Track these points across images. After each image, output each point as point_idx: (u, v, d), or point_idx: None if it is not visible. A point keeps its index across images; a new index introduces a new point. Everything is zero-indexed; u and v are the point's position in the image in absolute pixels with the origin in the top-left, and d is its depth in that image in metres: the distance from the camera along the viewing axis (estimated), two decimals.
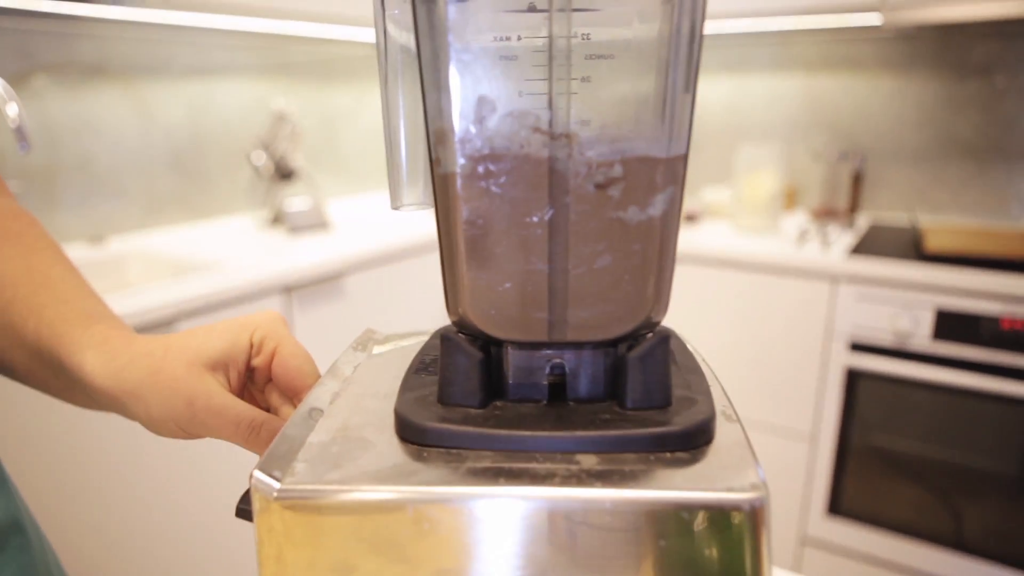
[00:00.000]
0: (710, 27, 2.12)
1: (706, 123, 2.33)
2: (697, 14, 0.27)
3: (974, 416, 1.52)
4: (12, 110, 1.24)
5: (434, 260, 1.83)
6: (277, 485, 0.28)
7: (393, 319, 1.74)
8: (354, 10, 1.79)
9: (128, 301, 1.20)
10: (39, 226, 0.53)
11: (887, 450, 1.64)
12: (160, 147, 1.80)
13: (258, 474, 0.28)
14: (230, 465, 1.35)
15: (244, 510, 0.30)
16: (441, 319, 1.82)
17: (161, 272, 1.55)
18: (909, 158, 2.03)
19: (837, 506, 1.71)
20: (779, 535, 1.80)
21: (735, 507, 0.26)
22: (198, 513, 1.34)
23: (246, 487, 0.32)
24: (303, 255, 1.54)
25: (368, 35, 2.09)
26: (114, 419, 1.17)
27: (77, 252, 1.57)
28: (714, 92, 2.30)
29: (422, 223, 1.86)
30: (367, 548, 0.28)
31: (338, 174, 2.33)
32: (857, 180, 2.04)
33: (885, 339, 1.57)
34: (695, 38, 0.27)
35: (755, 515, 0.26)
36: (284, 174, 1.89)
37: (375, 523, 0.27)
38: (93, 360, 0.41)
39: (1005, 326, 1.43)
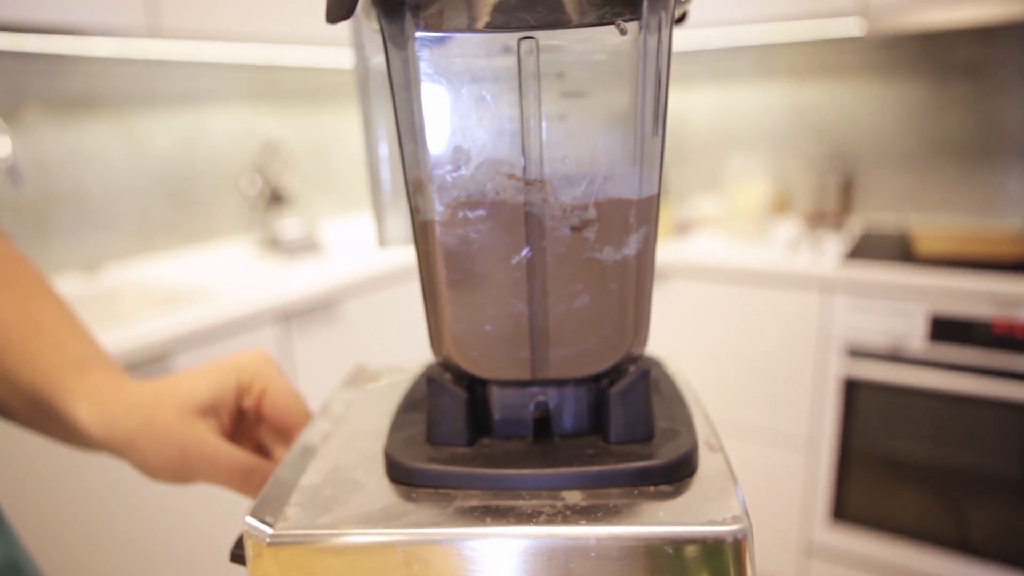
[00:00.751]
0: (695, 39, 2.14)
1: (694, 134, 2.34)
2: (661, 61, 0.28)
3: (972, 419, 1.53)
4: (4, 149, 1.25)
5: None
6: (269, 531, 0.28)
7: (390, 343, 1.74)
8: (341, 33, 1.81)
9: (123, 332, 1.20)
10: (32, 268, 0.54)
11: (887, 455, 1.64)
12: (152, 176, 1.81)
13: (250, 520, 0.29)
14: (226, 505, 1.34)
15: (238, 555, 0.30)
16: None
17: (155, 301, 1.56)
18: (898, 161, 2.05)
19: (840, 513, 1.71)
20: (780, 543, 1.80)
21: (718, 539, 0.27)
22: (194, 554, 1.34)
23: (240, 531, 0.32)
24: (297, 281, 1.54)
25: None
26: (109, 460, 1.17)
27: (70, 283, 1.58)
28: (701, 103, 2.31)
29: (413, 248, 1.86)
30: None
31: (330, 196, 2.34)
32: (847, 185, 2.06)
33: (880, 344, 1.57)
34: (661, 83, 0.28)
35: (738, 547, 0.27)
36: (276, 199, 1.90)
37: (367, 565, 0.28)
38: (87, 411, 0.42)
39: (998, 329, 1.44)
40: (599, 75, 0.30)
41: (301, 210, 1.94)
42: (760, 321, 1.73)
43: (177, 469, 0.40)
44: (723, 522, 0.27)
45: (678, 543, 0.27)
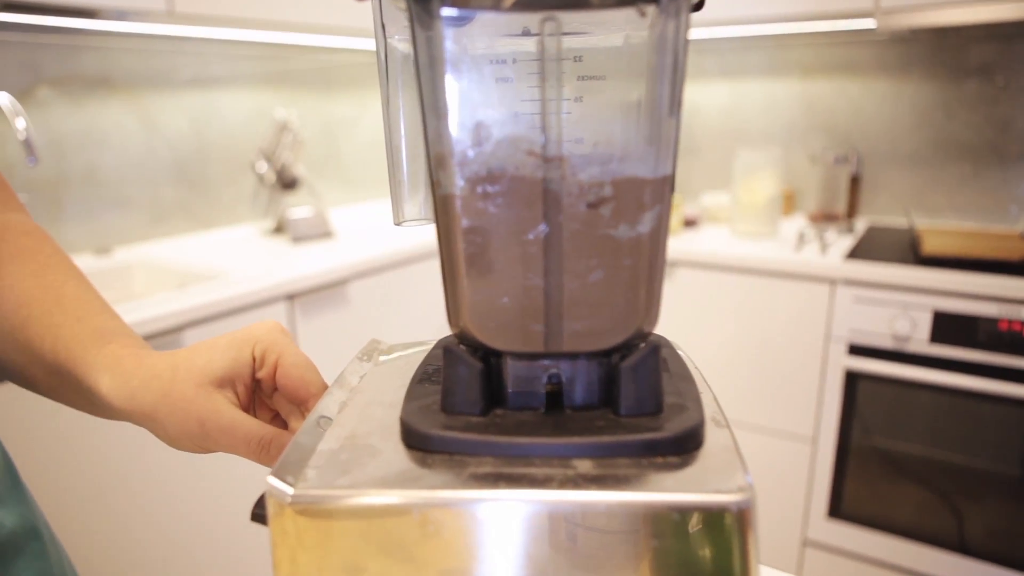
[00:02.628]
0: (707, 33, 2.14)
1: (704, 128, 2.34)
2: (680, 42, 0.28)
3: (974, 417, 1.53)
4: (20, 124, 1.26)
5: (435, 267, 1.85)
6: (290, 491, 0.29)
7: (396, 325, 1.76)
8: (355, 21, 1.81)
9: (135, 312, 1.21)
10: (51, 241, 0.55)
11: (888, 452, 1.65)
12: (164, 158, 1.82)
13: (272, 480, 0.30)
14: (240, 471, 1.36)
15: (259, 515, 0.31)
16: (443, 325, 1.83)
17: (167, 282, 1.57)
18: (906, 161, 2.05)
19: (838, 508, 1.72)
20: (781, 538, 1.81)
21: (723, 508, 0.28)
22: (209, 518, 1.36)
23: (257, 493, 0.33)
24: (307, 263, 1.56)
25: (368, 44, 2.11)
26: (125, 426, 1.19)
27: (83, 263, 1.59)
28: (712, 98, 2.32)
29: (422, 232, 1.87)
30: (375, 550, 0.29)
31: (339, 183, 2.35)
32: (855, 183, 2.06)
33: (884, 342, 1.58)
34: (678, 65, 0.29)
35: (742, 515, 0.28)
36: (287, 183, 1.91)
37: (383, 526, 0.29)
38: (108, 382, 0.43)
39: (1003, 328, 1.44)
40: (617, 58, 0.30)
41: (310, 194, 1.95)
42: (765, 316, 1.74)
43: (196, 439, 0.41)
44: (728, 492, 0.28)
45: (684, 510, 0.28)
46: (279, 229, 1.89)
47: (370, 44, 2.09)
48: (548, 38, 0.30)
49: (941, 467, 1.60)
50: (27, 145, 1.26)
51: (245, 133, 2.00)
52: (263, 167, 1.91)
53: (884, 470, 1.66)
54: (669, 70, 0.29)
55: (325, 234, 1.84)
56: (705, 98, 2.33)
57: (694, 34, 2.13)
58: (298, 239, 1.79)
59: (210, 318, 1.32)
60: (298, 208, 1.87)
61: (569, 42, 0.30)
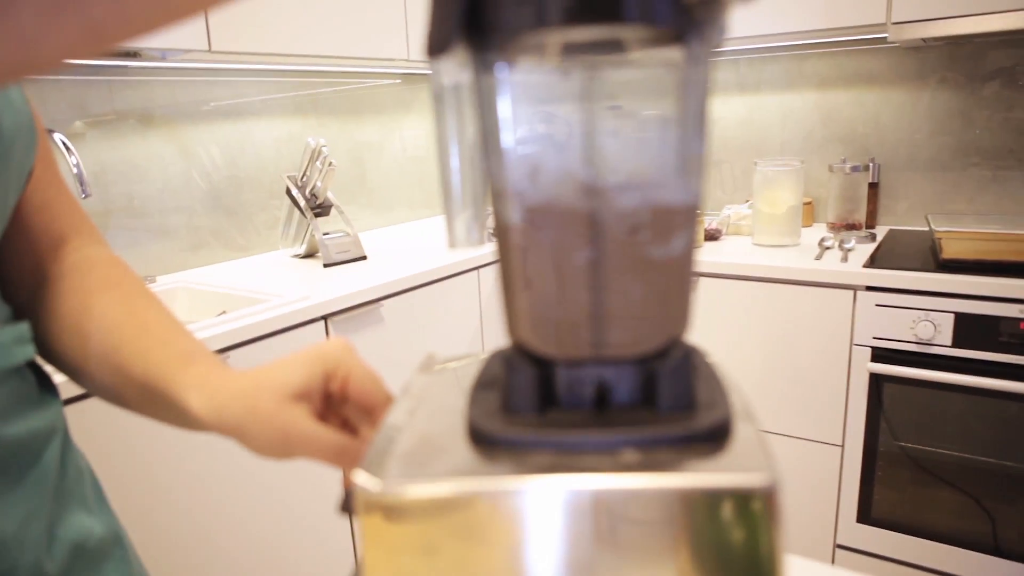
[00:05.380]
0: (725, 47, 2.18)
1: (723, 141, 2.38)
2: (704, 86, 0.33)
3: (1000, 419, 1.55)
4: (72, 161, 1.33)
5: (463, 285, 1.90)
6: (377, 484, 0.34)
7: (429, 342, 1.81)
8: (383, 52, 1.88)
9: None
10: (132, 271, 0.61)
11: (916, 455, 1.67)
12: (200, 187, 1.90)
13: (360, 476, 0.34)
14: (295, 477, 1.42)
15: (347, 507, 0.36)
16: (474, 339, 1.88)
17: (208, 307, 1.64)
18: (924, 167, 2.07)
19: (868, 513, 1.74)
20: (813, 543, 1.83)
21: (751, 490, 0.32)
22: (275, 520, 1.41)
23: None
24: (341, 285, 1.62)
25: (392, 69, 2.18)
26: (192, 442, 1.25)
27: None
28: (731, 111, 2.36)
29: (451, 253, 1.93)
30: (450, 532, 0.34)
31: (367, 206, 2.41)
32: (874, 191, 2.09)
33: (907, 346, 1.60)
34: (703, 107, 0.33)
35: (768, 497, 0.32)
36: (318, 208, 1.98)
37: (456, 512, 0.33)
38: (197, 400, 0.48)
39: None
40: (650, 99, 0.35)
41: (341, 220, 2.02)
42: (789, 324, 1.77)
43: (280, 448, 0.46)
44: (755, 475, 0.32)
45: (717, 493, 0.32)
46: (311, 253, 1.95)
47: (394, 69, 2.16)
48: (590, 84, 0.35)
49: (970, 469, 1.61)
50: (79, 180, 1.33)
51: (276, 160, 2.08)
52: (295, 193, 1.98)
53: (913, 473, 1.67)
54: (695, 109, 0.33)
55: (358, 257, 1.90)
56: (724, 112, 2.37)
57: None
58: (331, 263, 1.85)
59: (252, 340, 1.38)
60: (330, 232, 1.94)
61: (609, 85, 0.35)
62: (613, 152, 0.34)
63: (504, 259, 0.35)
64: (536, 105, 0.35)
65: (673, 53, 0.33)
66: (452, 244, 0.48)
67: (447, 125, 0.47)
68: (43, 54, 0.24)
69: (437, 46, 0.32)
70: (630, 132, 0.35)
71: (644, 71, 0.36)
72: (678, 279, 0.35)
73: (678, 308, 0.36)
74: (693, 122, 0.33)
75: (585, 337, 0.35)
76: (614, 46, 0.33)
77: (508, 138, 0.33)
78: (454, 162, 0.47)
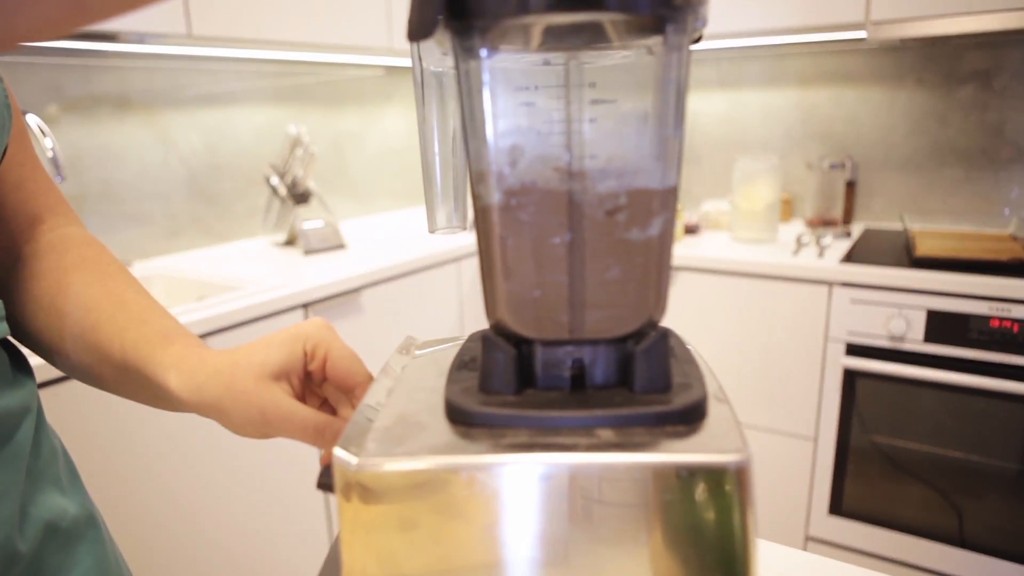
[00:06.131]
0: (705, 44, 2.20)
1: (704, 137, 2.40)
2: (682, 73, 0.34)
3: (969, 413, 1.58)
4: (48, 144, 1.32)
5: (443, 276, 1.90)
6: (355, 460, 0.34)
7: (408, 331, 1.81)
8: (363, 40, 1.87)
9: None
10: (108, 251, 0.60)
11: (887, 449, 1.70)
12: (179, 173, 1.88)
13: (339, 452, 0.35)
14: (263, 459, 1.42)
15: (325, 483, 0.36)
16: (453, 328, 1.88)
17: (185, 294, 1.62)
18: (900, 166, 2.10)
19: (839, 505, 1.76)
20: (784, 535, 1.86)
21: (723, 467, 0.33)
22: (248, 501, 1.41)
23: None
24: (321, 273, 1.61)
25: (372, 59, 2.17)
26: (162, 420, 1.24)
27: None
28: (711, 107, 2.37)
29: (432, 243, 1.93)
30: (428, 509, 0.34)
31: (347, 196, 2.41)
32: (850, 189, 2.11)
33: (880, 341, 1.63)
34: (680, 93, 0.34)
35: (740, 473, 0.33)
36: (298, 197, 1.97)
37: (434, 488, 0.34)
38: (175, 379, 0.48)
39: (994, 325, 1.49)
40: (629, 85, 0.36)
41: (321, 209, 2.01)
42: (765, 318, 1.79)
43: (258, 427, 0.46)
44: (728, 453, 0.33)
45: (692, 469, 0.33)
46: (291, 241, 1.94)
47: (375, 60, 2.15)
48: (572, 69, 0.35)
49: (940, 463, 1.64)
50: (54, 163, 1.32)
51: (257, 148, 2.06)
52: (275, 181, 1.97)
53: (884, 467, 1.70)
54: (673, 95, 0.34)
55: (337, 245, 1.89)
56: (704, 108, 2.39)
57: (693, 46, 2.19)
58: (311, 251, 1.85)
59: (230, 327, 1.37)
60: (310, 221, 1.93)
61: (589, 71, 0.35)
62: (592, 136, 0.35)
63: (484, 241, 0.36)
64: (517, 90, 0.35)
65: (652, 40, 0.34)
66: (432, 228, 0.48)
67: (429, 111, 0.47)
68: (24, 23, 0.24)
69: (420, 31, 0.32)
70: (609, 117, 0.36)
71: (624, 58, 0.36)
72: (655, 263, 0.36)
73: (655, 292, 0.36)
74: (671, 108, 0.34)
75: (562, 318, 0.36)
76: (595, 33, 0.34)
77: (489, 122, 0.34)
78: (435, 148, 0.47)
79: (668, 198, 0.35)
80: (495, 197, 0.34)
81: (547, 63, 0.36)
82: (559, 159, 0.34)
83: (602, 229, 0.35)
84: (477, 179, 0.35)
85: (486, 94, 0.34)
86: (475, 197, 0.35)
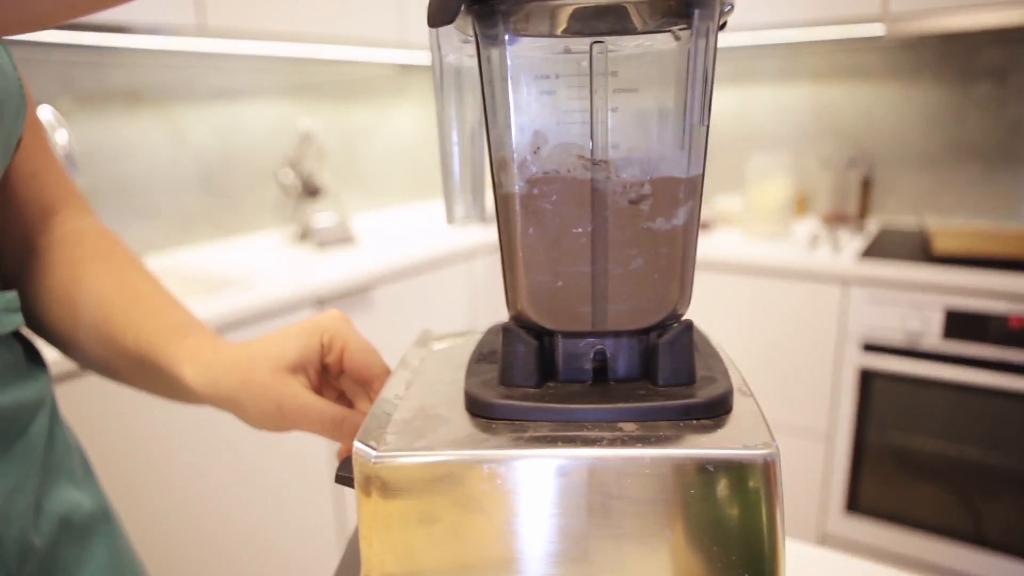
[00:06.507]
0: (719, 41, 2.18)
1: (717, 133, 2.38)
2: (708, 61, 0.33)
3: (987, 413, 1.56)
4: (62, 136, 1.32)
5: (456, 271, 1.89)
6: (374, 453, 0.34)
7: (421, 325, 1.81)
8: (375, 32, 1.87)
9: None
10: (122, 243, 0.60)
11: (903, 448, 1.68)
12: (190, 168, 1.88)
13: (359, 445, 0.34)
14: (277, 456, 1.42)
15: (344, 477, 0.36)
16: (466, 325, 1.87)
17: (197, 288, 1.62)
18: (917, 163, 2.08)
19: (855, 504, 1.75)
20: (798, 534, 1.84)
21: (751, 461, 0.32)
22: (261, 498, 1.41)
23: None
24: (332, 269, 1.61)
25: (387, 55, 2.17)
26: (176, 415, 1.24)
27: None
28: (724, 103, 2.36)
29: (444, 238, 1.92)
30: (448, 502, 0.34)
31: (359, 190, 2.40)
32: (866, 185, 2.09)
33: (897, 339, 1.61)
34: (707, 80, 0.33)
35: (768, 468, 0.32)
36: (310, 191, 1.97)
37: (454, 482, 0.33)
38: (191, 372, 0.47)
39: (1013, 324, 1.47)
40: (653, 74, 0.35)
41: (333, 202, 2.01)
42: (780, 316, 1.77)
43: (275, 420, 0.46)
44: (755, 447, 0.32)
45: (717, 464, 0.32)
46: (303, 236, 1.94)
47: (387, 54, 2.15)
48: (597, 57, 0.34)
49: (957, 462, 1.63)
50: (68, 157, 1.32)
51: (268, 143, 2.06)
52: (287, 176, 1.97)
53: (901, 466, 1.69)
54: (700, 82, 0.33)
55: (348, 240, 1.89)
56: (717, 103, 2.37)
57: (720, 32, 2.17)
58: (322, 245, 1.84)
59: (241, 322, 1.37)
60: (322, 215, 1.93)
61: (614, 58, 0.34)
62: (616, 123, 0.34)
63: (505, 231, 0.35)
64: (539, 78, 0.34)
65: (678, 26, 0.33)
66: (450, 220, 0.48)
67: (448, 100, 0.47)
68: (37, 8, 0.24)
69: (441, 16, 0.32)
70: (632, 105, 0.35)
71: (648, 45, 0.35)
72: (680, 253, 0.35)
73: (679, 283, 0.36)
74: (697, 95, 0.33)
75: (585, 310, 0.35)
76: (619, 18, 0.33)
77: (511, 109, 0.33)
78: (454, 138, 0.47)
79: (693, 187, 0.34)
80: (517, 185, 0.34)
81: (568, 51, 0.35)
82: (582, 147, 0.33)
83: (625, 218, 0.34)
84: (499, 167, 0.34)
85: (508, 81, 0.33)
86: (496, 186, 0.35)
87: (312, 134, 1.96)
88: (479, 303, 2.00)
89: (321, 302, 1.53)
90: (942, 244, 1.68)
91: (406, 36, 1.96)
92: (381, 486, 0.34)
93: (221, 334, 1.34)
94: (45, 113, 1.29)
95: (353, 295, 1.60)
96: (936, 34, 1.97)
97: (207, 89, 1.90)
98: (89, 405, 1.15)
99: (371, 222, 2.27)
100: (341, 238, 1.88)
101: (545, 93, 0.34)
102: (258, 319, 1.40)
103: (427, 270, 1.81)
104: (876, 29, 1.77)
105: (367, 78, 2.37)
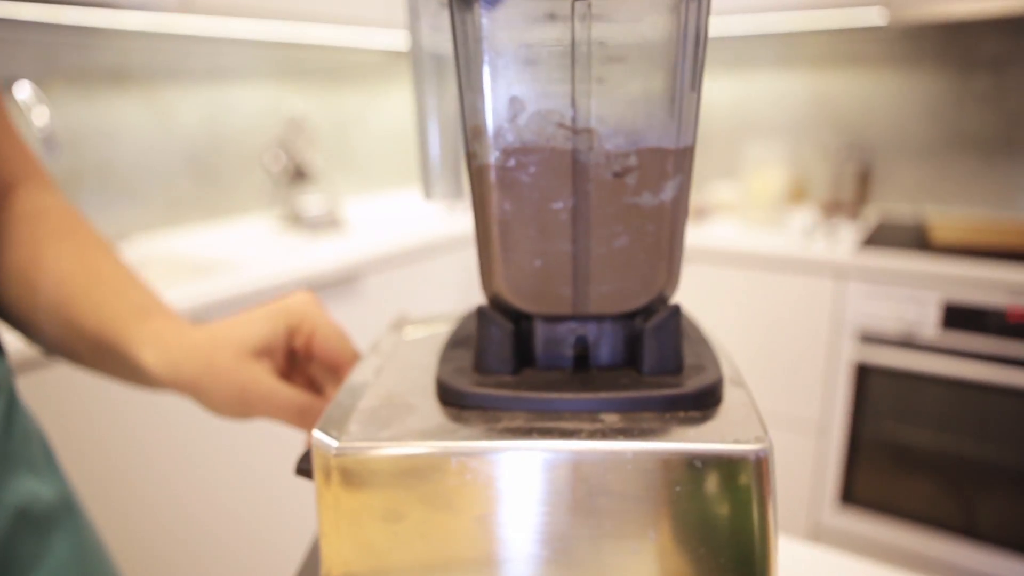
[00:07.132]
0: (716, 27, 2.15)
1: (714, 121, 2.35)
2: (701, 20, 0.30)
3: (983, 406, 1.54)
4: (42, 114, 1.28)
5: (447, 258, 1.87)
6: (335, 443, 0.31)
7: (410, 309, 1.78)
8: (364, 11, 1.83)
9: None
10: (87, 222, 0.57)
11: (898, 441, 1.67)
12: (178, 150, 1.85)
13: (317, 434, 0.32)
14: (248, 443, 1.39)
15: (304, 469, 0.33)
16: (453, 308, 1.85)
17: (182, 272, 1.59)
18: (915, 153, 2.06)
19: (849, 497, 1.73)
20: (791, 526, 1.83)
21: (742, 457, 0.29)
22: (232, 487, 1.38)
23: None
24: (320, 254, 1.58)
25: (378, 41, 2.14)
26: (149, 404, 1.21)
27: None
28: (721, 90, 2.33)
29: (434, 223, 1.90)
30: (415, 498, 0.31)
31: (351, 174, 2.37)
32: (864, 175, 2.07)
33: (893, 331, 1.59)
34: (700, 42, 0.30)
35: (760, 465, 0.30)
36: (299, 175, 1.94)
37: (421, 476, 0.31)
38: (152, 356, 0.45)
39: (1011, 317, 1.46)
40: (644, 32, 0.32)
41: (323, 187, 1.98)
42: (774, 306, 1.75)
43: (237, 407, 0.43)
44: (747, 441, 0.30)
45: (707, 459, 0.29)
46: (291, 220, 1.91)
47: (379, 41, 2.12)
48: (580, 19, 0.31)
49: (952, 455, 1.61)
50: (48, 141, 1.29)
51: (257, 126, 2.03)
52: (276, 159, 1.94)
53: (895, 458, 1.67)
54: (692, 44, 0.30)
55: (337, 224, 1.86)
56: (714, 91, 2.34)
57: None
58: (311, 230, 1.82)
59: (227, 307, 1.35)
60: (311, 199, 1.90)
61: (598, 13, 0.32)
62: (599, 90, 0.32)
63: (479, 206, 0.33)
64: (517, 43, 0.32)
65: None
66: (428, 196, 0.45)
67: (425, 71, 0.44)
68: None
69: None
70: (619, 67, 0.32)
71: (634, 8, 0.33)
72: (668, 231, 0.32)
73: (666, 264, 0.33)
74: (687, 58, 0.31)
75: (565, 292, 0.33)
76: None
77: (486, 72, 0.30)
78: (431, 110, 0.44)
79: (683, 159, 0.31)
80: (492, 156, 0.31)
81: (550, 16, 0.33)
82: (563, 114, 0.31)
83: (609, 193, 0.31)
84: (472, 136, 0.32)
85: (483, 43, 0.30)
86: (470, 157, 0.32)
87: (301, 118, 1.93)
88: (471, 291, 1.97)
89: (310, 287, 1.50)
90: (940, 235, 1.66)
91: (394, 15, 1.92)
92: (342, 480, 0.31)
93: (206, 319, 1.31)
94: (23, 90, 1.26)
95: (343, 282, 1.57)
96: (936, 23, 1.95)
97: (195, 71, 1.87)
98: (58, 394, 1.12)
99: (361, 207, 2.24)
100: (330, 223, 1.85)
101: (521, 58, 0.31)
102: (244, 304, 1.37)
103: (418, 257, 1.78)
104: (877, 14, 1.74)
105: (358, 64, 2.34)
